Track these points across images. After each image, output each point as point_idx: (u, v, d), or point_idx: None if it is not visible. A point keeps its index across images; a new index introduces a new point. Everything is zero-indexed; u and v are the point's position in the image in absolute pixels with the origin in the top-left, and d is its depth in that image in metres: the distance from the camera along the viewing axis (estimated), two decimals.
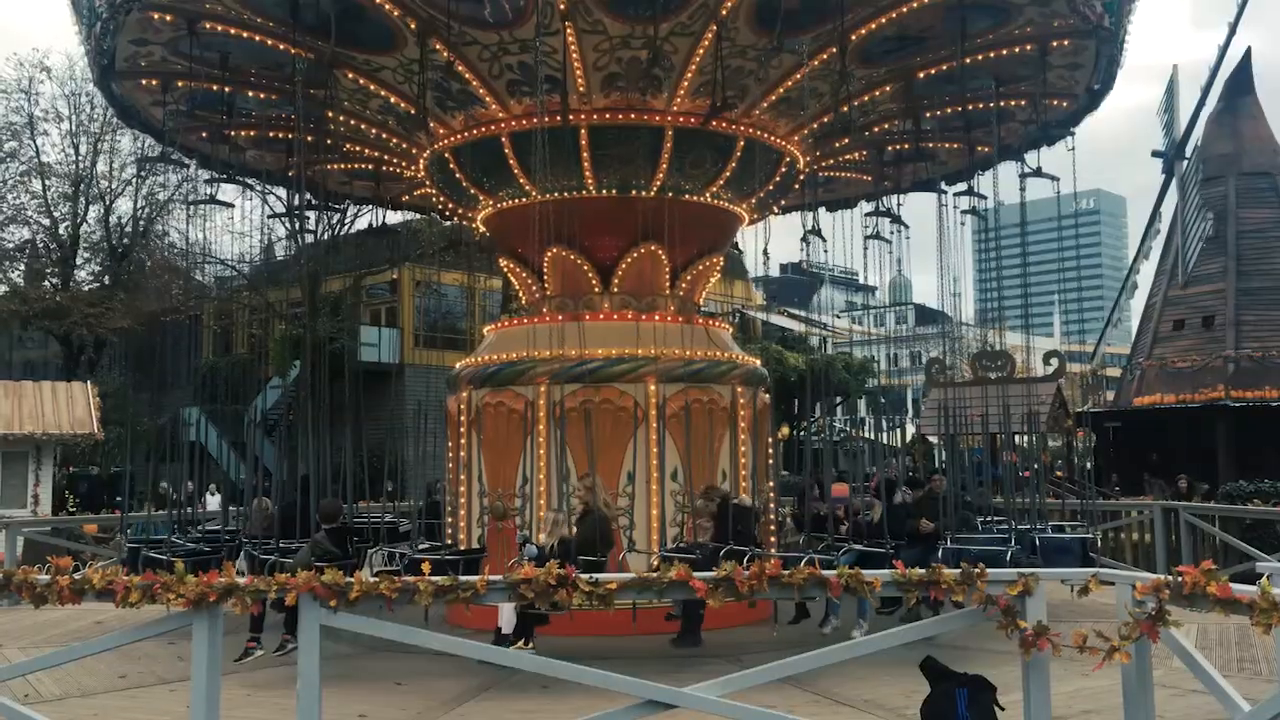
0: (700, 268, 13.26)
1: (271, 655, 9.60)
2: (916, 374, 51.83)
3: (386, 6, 10.27)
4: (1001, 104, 12.67)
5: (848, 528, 11.18)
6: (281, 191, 22.42)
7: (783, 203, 14.67)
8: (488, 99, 11.69)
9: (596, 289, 12.60)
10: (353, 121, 13.22)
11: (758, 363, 13.61)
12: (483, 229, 14.08)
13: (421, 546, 11.09)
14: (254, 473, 13.43)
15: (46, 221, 33.61)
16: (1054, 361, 29.16)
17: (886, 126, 13.71)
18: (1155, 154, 32.82)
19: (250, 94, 12.66)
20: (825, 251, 14.64)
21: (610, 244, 12.50)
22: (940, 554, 10.12)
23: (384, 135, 13.42)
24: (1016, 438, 20.83)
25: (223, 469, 28.35)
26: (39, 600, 5.93)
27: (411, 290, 36.65)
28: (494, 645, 8.31)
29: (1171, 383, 29.33)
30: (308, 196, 15.17)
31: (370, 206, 17.88)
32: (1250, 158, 30.59)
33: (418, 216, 24.35)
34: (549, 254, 12.44)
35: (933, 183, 15.07)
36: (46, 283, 33.95)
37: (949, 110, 12.92)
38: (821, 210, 15.53)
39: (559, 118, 10.79)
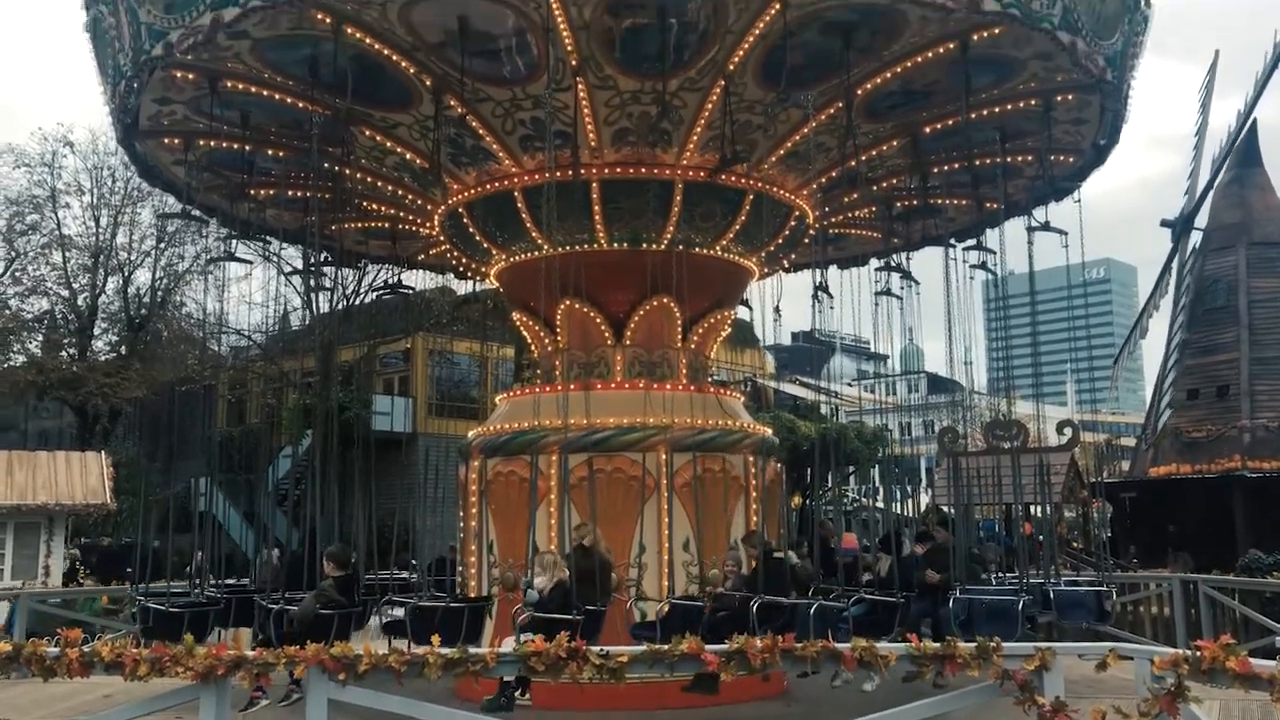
0: (711, 321, 13.38)
1: (277, 705, 9.51)
2: (929, 443, 51.58)
3: (403, 64, 10.47)
4: (1009, 159, 12.75)
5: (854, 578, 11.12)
6: (299, 251, 22.77)
7: (793, 258, 14.79)
8: (501, 154, 11.87)
9: (609, 341, 12.67)
10: (369, 179, 13.43)
11: (769, 431, 13.59)
12: (495, 283, 14.22)
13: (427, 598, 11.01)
14: (263, 542, 13.40)
15: (66, 293, 34.05)
16: (1067, 431, 29.02)
17: (895, 182, 13.82)
18: (1164, 223, 33.03)
19: (270, 152, 12.85)
20: (832, 307, 14.68)
21: (622, 297, 12.59)
22: (951, 605, 10.01)
23: (400, 192, 13.62)
24: (1032, 508, 20.67)
25: (234, 540, 28.29)
26: (47, 673, 5.91)
27: (425, 359, 36.85)
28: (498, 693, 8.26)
29: (1187, 453, 29.12)
30: (324, 254, 15.39)
31: (387, 267, 18.09)
32: (1260, 227, 30.74)
33: (431, 285, 24.59)
34: (561, 307, 12.56)
35: (942, 239, 15.18)
36: (64, 353, 34.24)
37: (956, 166, 13.05)
38: (833, 269, 15.64)
39: (570, 172, 10.99)
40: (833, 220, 14.70)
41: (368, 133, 12.08)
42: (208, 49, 10.06)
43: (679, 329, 12.91)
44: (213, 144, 12.14)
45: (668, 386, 12.35)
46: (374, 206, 14.57)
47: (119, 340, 35.51)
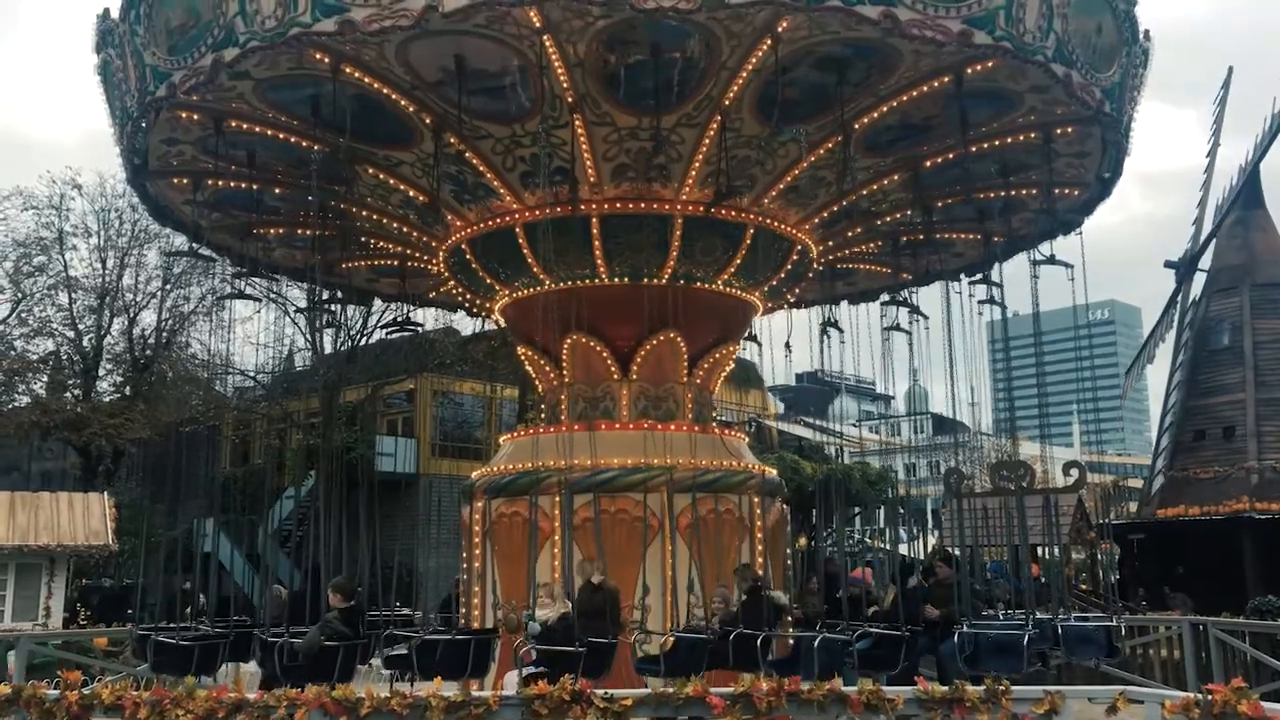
0: (716, 356, 13.43)
1: None
2: (935, 484, 51.36)
3: (402, 102, 10.58)
4: (1012, 193, 12.77)
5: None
6: (308, 290, 22.92)
7: (798, 292, 14.82)
8: (502, 191, 11.99)
9: (615, 376, 12.69)
10: (376, 216, 13.52)
11: (774, 472, 13.54)
12: (500, 319, 14.27)
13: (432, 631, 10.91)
14: (265, 584, 13.33)
15: (71, 334, 34.07)
16: (1074, 472, 28.86)
17: (898, 216, 13.84)
18: (1169, 264, 33.06)
19: (277, 190, 13.00)
20: (842, 341, 14.68)
21: (628, 332, 12.65)
22: (956, 639, 9.90)
23: (406, 229, 13.72)
24: (1039, 550, 20.48)
25: (236, 581, 28.13)
26: (47, 717, 5.85)
27: (429, 400, 36.83)
28: None
29: (1194, 494, 28.95)
30: (334, 292, 15.49)
31: (396, 305, 18.17)
32: (1263, 269, 30.76)
33: (436, 326, 24.67)
34: (568, 341, 12.60)
35: (946, 274, 15.17)
36: (68, 394, 34.24)
37: (960, 199, 13.08)
38: (840, 306, 15.73)
39: (570, 207, 11.13)
40: (838, 255, 14.75)
41: (371, 170, 12.19)
42: (210, 89, 10.21)
43: (684, 364, 12.94)
44: (220, 183, 12.25)
45: (671, 426, 12.33)
46: (382, 245, 14.67)
47: (124, 381, 35.53)
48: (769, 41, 9.48)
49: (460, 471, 29.86)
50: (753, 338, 14.95)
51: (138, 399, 33.29)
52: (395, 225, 13.68)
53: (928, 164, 12.27)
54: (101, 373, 35.17)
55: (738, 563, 11.66)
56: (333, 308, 17.93)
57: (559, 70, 9.90)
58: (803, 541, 35.62)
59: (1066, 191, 13.30)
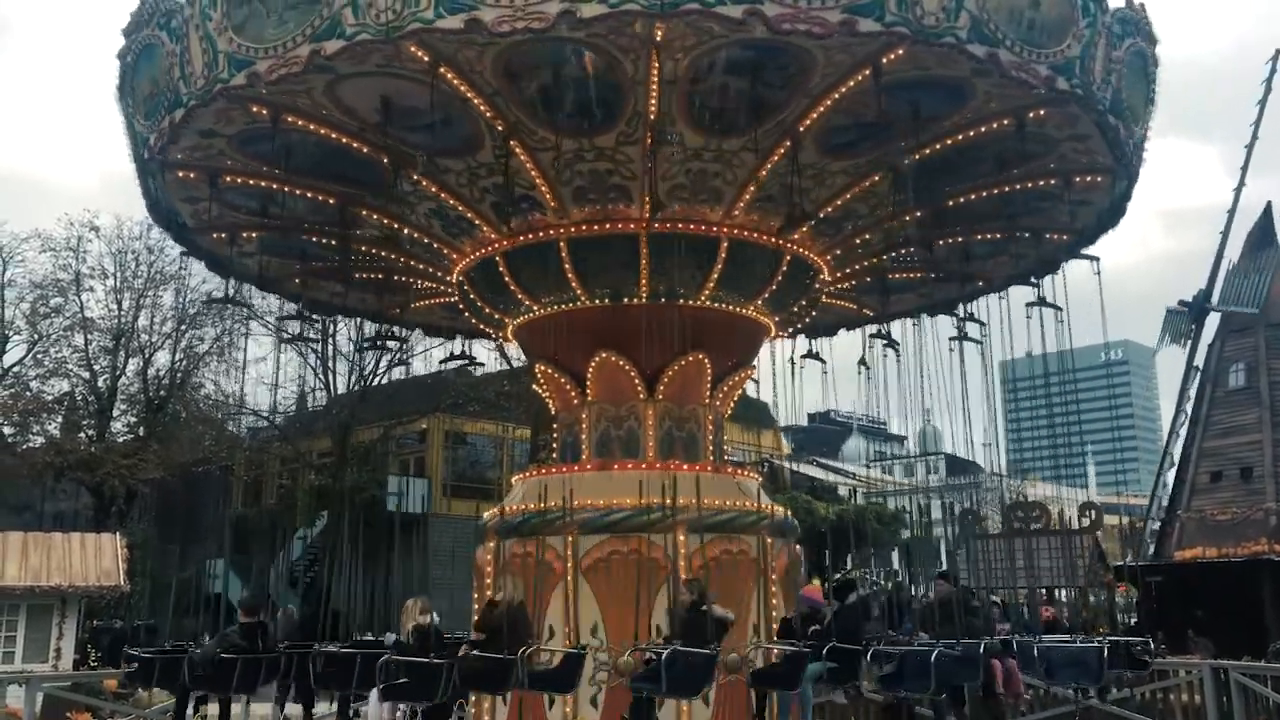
0: (734, 380, 13.54)
1: None
2: (949, 525, 50.99)
3: (482, 107, 10.36)
4: (1028, 185, 12.05)
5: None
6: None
7: (813, 316, 14.85)
8: (552, 204, 11.85)
9: (641, 395, 12.66)
10: (397, 225, 13.43)
11: (788, 513, 13.47)
12: (514, 339, 14.15)
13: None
14: (272, 621, 13.36)
15: (86, 374, 34.29)
16: (1090, 513, 28.65)
17: (905, 220, 13.13)
18: (1183, 304, 32.93)
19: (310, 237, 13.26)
20: (898, 353, 14.69)
21: (658, 352, 12.51)
22: (870, 656, 10.02)
23: (427, 240, 13.39)
24: (1056, 591, 20.28)
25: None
26: None
27: (441, 440, 36.87)
28: None
29: (1212, 536, 28.66)
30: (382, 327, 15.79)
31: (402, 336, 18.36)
32: (1277, 310, 30.64)
33: (445, 367, 24.75)
34: (596, 360, 12.58)
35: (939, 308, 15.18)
36: (82, 434, 34.38)
37: (971, 198, 12.54)
38: (849, 341, 15.86)
39: (619, 225, 11.41)
40: (851, 278, 14.72)
41: (415, 177, 11.78)
42: (181, 149, 10.86)
43: (708, 386, 12.99)
44: (239, 180, 12.37)
45: (685, 466, 12.29)
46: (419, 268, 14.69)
47: (137, 421, 35.69)
48: (655, 52, 9.19)
49: (472, 512, 29.82)
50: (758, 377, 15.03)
51: (151, 439, 33.41)
52: (409, 231, 13.28)
53: (906, 161, 11.19)
54: (116, 413, 35.37)
55: (745, 605, 11.58)
56: (387, 344, 18.30)
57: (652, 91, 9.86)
58: (816, 583, 35.38)
59: (1083, 177, 12.23)
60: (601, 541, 11.30)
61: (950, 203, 12.38)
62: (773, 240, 12.41)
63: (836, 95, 9.99)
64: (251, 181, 11.80)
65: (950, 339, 14.02)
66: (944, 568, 25.41)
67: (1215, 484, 29.67)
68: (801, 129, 10.50)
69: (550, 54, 9.36)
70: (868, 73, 9.52)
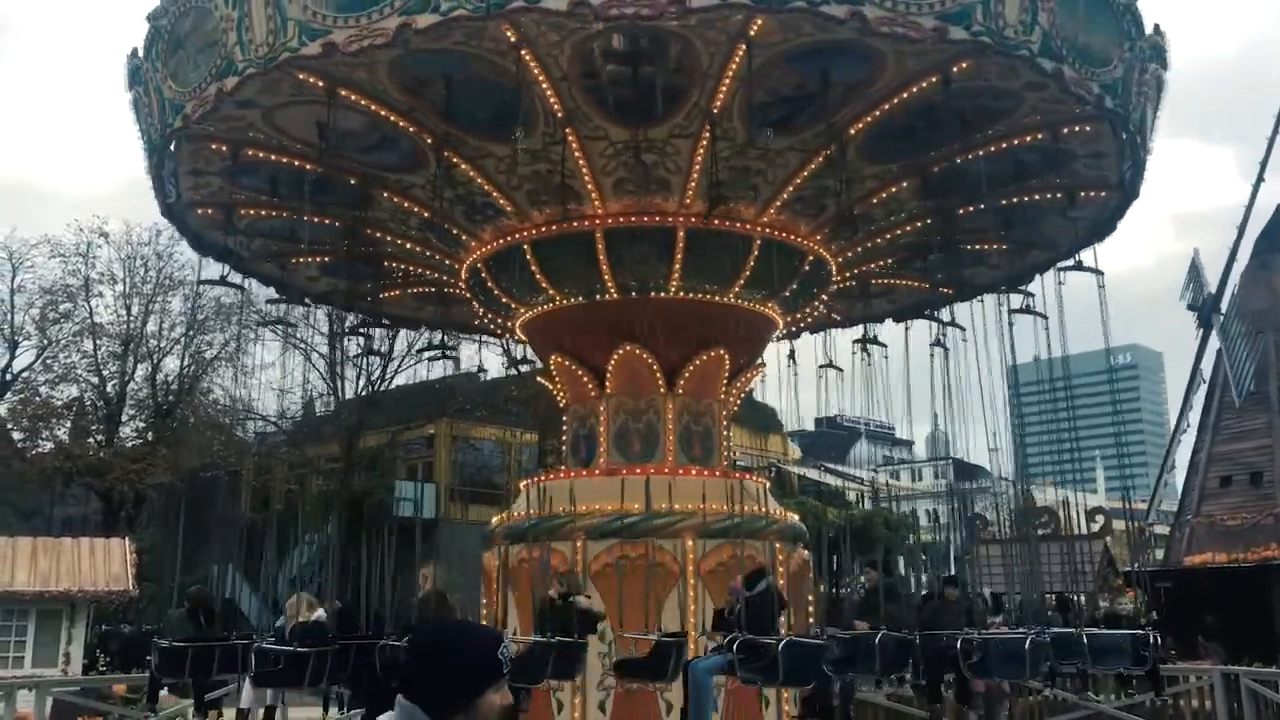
0: (746, 376, 13.68)
1: None
2: (957, 530, 50.74)
3: (401, 124, 10.55)
4: (1035, 197, 12.48)
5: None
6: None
7: (836, 313, 15.07)
8: (594, 196, 11.88)
9: (661, 389, 12.67)
10: (399, 240, 13.45)
11: (796, 518, 13.46)
12: (522, 331, 14.11)
13: None
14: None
15: (95, 380, 34.37)
16: (1099, 519, 28.54)
17: (915, 226, 13.56)
18: (1190, 307, 32.80)
19: (295, 217, 13.04)
20: (886, 357, 14.73)
21: (682, 345, 12.64)
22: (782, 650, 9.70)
23: (444, 223, 13.27)
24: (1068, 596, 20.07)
25: (253, 626, 28.02)
26: None
27: (448, 445, 36.88)
28: None
29: (1222, 541, 28.58)
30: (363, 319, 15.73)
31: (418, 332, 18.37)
32: None
33: (454, 372, 24.76)
34: (618, 353, 12.59)
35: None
36: (91, 439, 34.46)
37: (983, 204, 12.63)
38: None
39: (655, 218, 11.59)
40: (859, 276, 14.74)
41: (387, 195, 12.18)
42: (218, 119, 10.59)
43: (724, 381, 13.04)
44: (250, 211, 12.48)
45: (694, 472, 12.29)
46: (414, 269, 14.72)
47: (146, 426, 35.77)
48: (743, 47, 9.35)
49: (479, 517, 29.80)
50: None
51: (160, 444, 33.48)
52: (417, 210, 13.16)
53: (935, 169, 11.82)
54: (124, 418, 35.43)
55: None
56: (369, 333, 18.31)
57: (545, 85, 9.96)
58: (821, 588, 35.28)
59: (1090, 194, 12.75)
60: (610, 546, 11.29)
61: (961, 211, 12.41)
62: (800, 240, 12.53)
63: (896, 101, 10.21)
64: (274, 157, 11.69)
65: (930, 344, 14.28)
66: (950, 573, 25.28)
67: (1225, 489, 29.57)
68: (852, 132, 10.62)
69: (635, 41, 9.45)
70: (934, 80, 9.86)
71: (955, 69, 9.75)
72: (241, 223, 13.14)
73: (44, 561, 21.39)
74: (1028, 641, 9.97)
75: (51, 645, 21.03)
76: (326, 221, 13.25)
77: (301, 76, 10.07)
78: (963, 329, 14.01)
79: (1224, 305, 31.70)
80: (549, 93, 10.22)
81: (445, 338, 17.40)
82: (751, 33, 9.15)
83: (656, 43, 9.51)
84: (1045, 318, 12.76)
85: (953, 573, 14.99)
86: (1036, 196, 12.15)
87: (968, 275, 14.28)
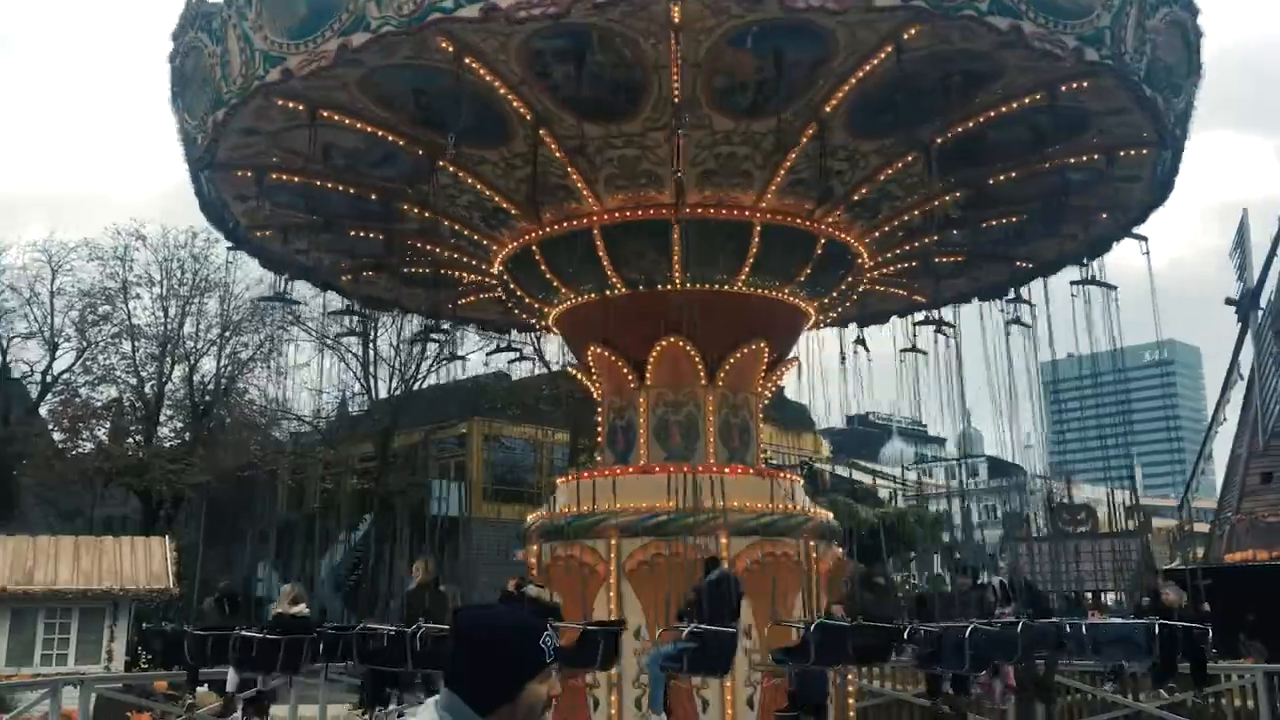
0: (781, 369, 13.71)
1: None
2: (991, 528, 50.48)
3: (509, 98, 10.35)
4: (1070, 160, 12.03)
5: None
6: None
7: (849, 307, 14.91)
8: (586, 195, 11.89)
9: (702, 381, 12.67)
10: (439, 218, 13.18)
11: (830, 516, 13.43)
12: (555, 325, 14.15)
13: None
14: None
15: (134, 381, 34.79)
16: (1138, 516, 28.22)
17: (945, 201, 13.03)
18: (1229, 301, 32.34)
19: (350, 190, 12.88)
20: (927, 355, 14.60)
21: (725, 338, 12.62)
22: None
23: (465, 230, 13.22)
24: (1102, 595, 19.98)
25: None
26: None
27: (480, 444, 37.07)
28: None
29: (1263, 537, 28.20)
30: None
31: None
32: None
33: (487, 370, 24.92)
34: (660, 344, 12.56)
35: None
36: (130, 440, 34.90)
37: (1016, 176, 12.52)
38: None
39: (734, 212, 11.73)
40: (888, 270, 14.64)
41: (451, 169, 11.61)
42: (325, 75, 9.81)
43: (761, 373, 13.10)
44: (284, 177, 12.31)
45: (726, 470, 12.27)
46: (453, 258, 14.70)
47: (184, 427, 36.19)
48: (889, 48, 9.36)
49: (511, 515, 29.91)
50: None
51: (197, 444, 33.88)
52: (468, 201, 12.92)
53: (940, 141, 11.27)
54: (162, 419, 35.86)
55: (788, 607, 11.55)
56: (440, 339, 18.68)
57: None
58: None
59: (1130, 153, 12.15)
60: (645, 544, 11.31)
61: (991, 181, 12.27)
62: (807, 224, 12.39)
63: (860, 74, 10.02)
64: (295, 179, 11.81)
65: (1006, 322, 14.01)
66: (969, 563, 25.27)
67: (1265, 485, 29.17)
68: (827, 110, 10.53)
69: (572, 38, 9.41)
70: (889, 50, 9.57)
71: (905, 36, 9.38)
72: (299, 240, 13.27)
73: (86, 560, 21.73)
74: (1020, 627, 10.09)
75: (94, 643, 21.37)
76: (371, 236, 13.55)
77: (280, 102, 10.28)
78: (1032, 304, 13.89)
79: (1263, 300, 31.23)
80: (510, 97, 10.31)
81: (511, 341, 17.71)
82: (676, 19, 9.01)
83: (600, 40, 9.43)
84: (1114, 287, 12.65)
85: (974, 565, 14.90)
86: (1071, 160, 11.84)
87: (1039, 249, 14.09)
